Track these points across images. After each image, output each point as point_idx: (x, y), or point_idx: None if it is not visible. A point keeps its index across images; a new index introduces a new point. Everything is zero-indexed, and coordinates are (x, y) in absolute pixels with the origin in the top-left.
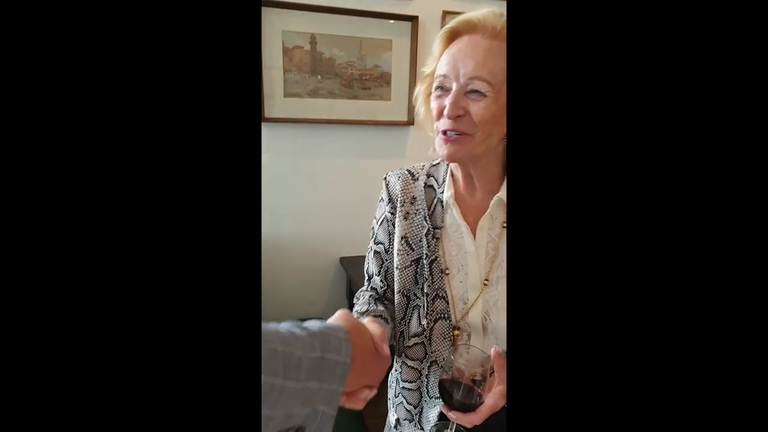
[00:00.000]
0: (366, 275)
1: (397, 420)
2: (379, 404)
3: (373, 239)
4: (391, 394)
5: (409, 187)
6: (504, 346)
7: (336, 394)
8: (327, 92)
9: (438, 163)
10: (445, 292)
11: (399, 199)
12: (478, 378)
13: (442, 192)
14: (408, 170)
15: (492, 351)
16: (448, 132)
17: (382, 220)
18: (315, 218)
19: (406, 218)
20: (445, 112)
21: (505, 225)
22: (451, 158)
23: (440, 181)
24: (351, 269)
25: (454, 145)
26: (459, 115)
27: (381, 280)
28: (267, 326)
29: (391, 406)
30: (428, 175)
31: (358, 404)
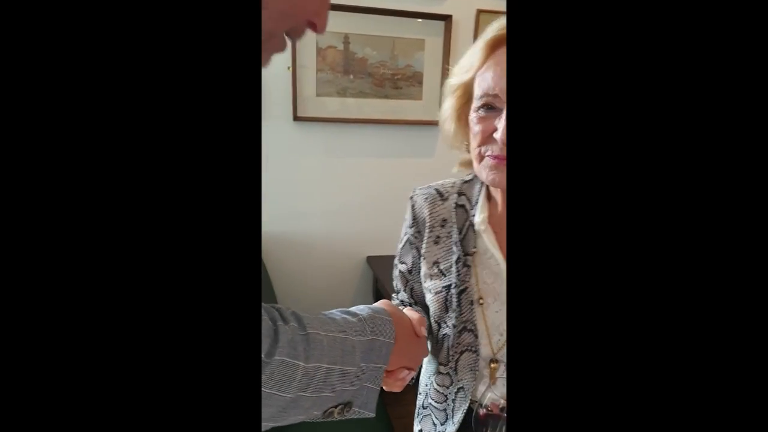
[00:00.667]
0: (394, 288)
1: (420, 431)
2: (401, 405)
3: (398, 257)
4: (419, 403)
5: (437, 209)
6: None
7: (380, 371)
8: (359, 92)
9: (471, 180)
10: (474, 324)
11: (427, 223)
12: None
13: (475, 215)
14: (436, 189)
15: None
16: (497, 157)
17: (406, 242)
18: (343, 217)
19: (437, 243)
20: (498, 136)
21: None
22: (500, 184)
23: (473, 200)
24: (378, 268)
25: (504, 170)
26: None
27: (408, 297)
28: (325, 317)
29: (418, 415)
30: (459, 194)
31: (396, 386)
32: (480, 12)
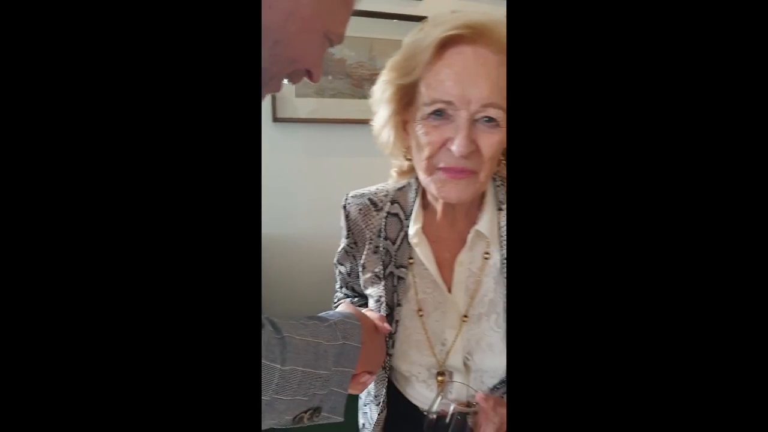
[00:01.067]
0: (336, 283)
1: (363, 425)
2: None
3: (336, 259)
4: (363, 398)
5: (373, 221)
6: (490, 384)
7: (348, 375)
8: (338, 92)
9: (404, 188)
10: (394, 341)
11: (366, 236)
12: (465, 411)
13: (409, 225)
14: (370, 199)
15: (477, 396)
16: (452, 170)
17: (342, 249)
18: (326, 217)
19: (376, 252)
20: (455, 148)
21: (486, 255)
22: (457, 199)
23: (408, 209)
24: None
25: (461, 183)
26: (471, 151)
27: (351, 293)
28: (296, 322)
29: (360, 409)
30: (393, 202)
31: (357, 388)
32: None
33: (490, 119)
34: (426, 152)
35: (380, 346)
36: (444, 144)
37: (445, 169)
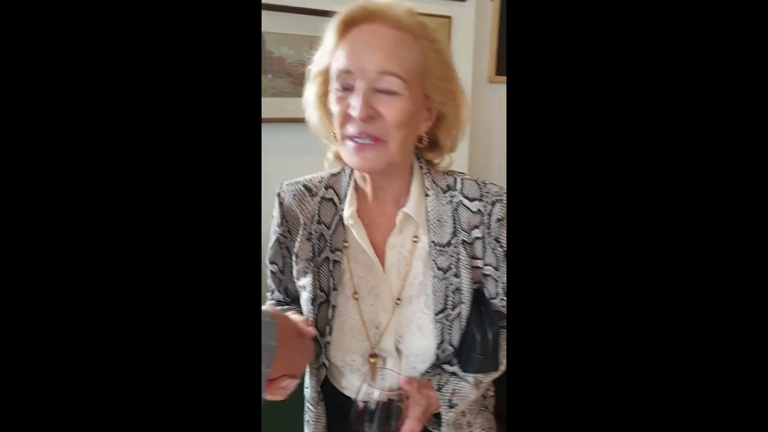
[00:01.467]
0: (269, 288)
1: None
2: None
3: (268, 258)
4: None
5: (307, 206)
6: (422, 368)
7: (263, 376)
8: (279, 91)
9: (338, 173)
10: (331, 327)
11: (300, 221)
12: (394, 398)
13: (344, 209)
14: (304, 185)
15: (401, 379)
16: (358, 137)
17: (275, 242)
18: (270, 217)
19: (309, 239)
20: (355, 113)
21: (415, 239)
22: (366, 168)
23: (342, 194)
24: None
25: (369, 152)
26: (371, 115)
27: (284, 296)
28: None
29: (305, 414)
30: (327, 187)
31: (277, 394)
32: None
33: (389, 91)
34: (338, 122)
35: (303, 349)
36: (350, 112)
37: (352, 137)
